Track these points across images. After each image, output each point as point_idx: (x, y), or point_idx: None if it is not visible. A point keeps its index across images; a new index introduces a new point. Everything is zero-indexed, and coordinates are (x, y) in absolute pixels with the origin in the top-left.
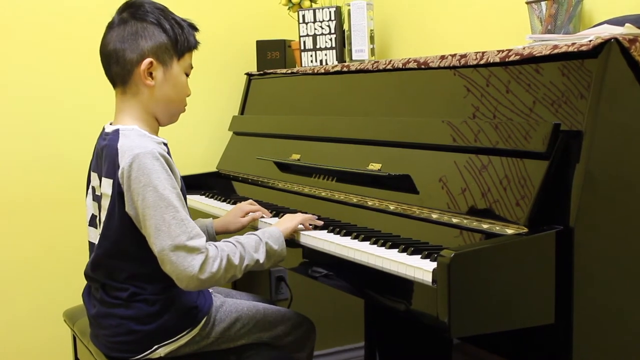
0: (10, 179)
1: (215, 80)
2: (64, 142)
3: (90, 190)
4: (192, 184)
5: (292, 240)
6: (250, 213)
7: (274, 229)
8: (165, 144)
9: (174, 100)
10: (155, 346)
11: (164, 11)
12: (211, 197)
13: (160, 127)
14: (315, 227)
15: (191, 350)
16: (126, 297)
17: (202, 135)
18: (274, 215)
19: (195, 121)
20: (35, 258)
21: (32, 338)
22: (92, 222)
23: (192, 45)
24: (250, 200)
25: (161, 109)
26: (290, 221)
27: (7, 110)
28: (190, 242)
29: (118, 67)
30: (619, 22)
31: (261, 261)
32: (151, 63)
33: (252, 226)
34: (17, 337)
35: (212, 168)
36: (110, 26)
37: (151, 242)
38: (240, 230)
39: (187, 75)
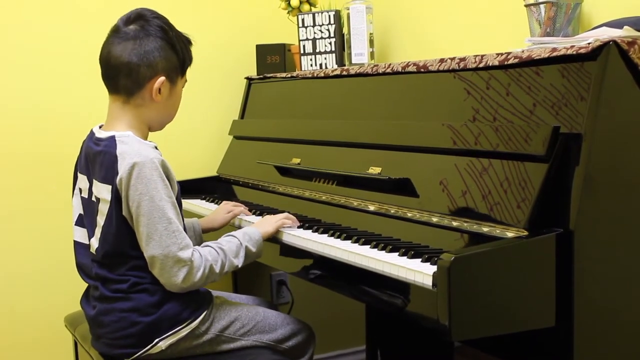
0: (11, 182)
1: (215, 84)
2: (64, 144)
3: (77, 191)
4: (193, 188)
5: (292, 244)
6: (233, 210)
7: (254, 232)
8: (156, 147)
9: (171, 113)
10: (157, 339)
11: (171, 28)
12: (212, 202)
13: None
14: (316, 230)
15: (190, 345)
16: (126, 288)
17: (203, 140)
18: None
19: (196, 125)
20: (35, 262)
21: (33, 343)
22: (79, 221)
23: (191, 62)
24: (233, 202)
25: (159, 120)
26: (270, 225)
27: (7, 111)
28: (179, 253)
29: (129, 81)
30: (617, 24)
31: (239, 266)
32: (163, 81)
33: (231, 223)
34: (18, 342)
35: (213, 172)
36: (120, 37)
37: (142, 246)
38: (224, 225)
39: (182, 87)
